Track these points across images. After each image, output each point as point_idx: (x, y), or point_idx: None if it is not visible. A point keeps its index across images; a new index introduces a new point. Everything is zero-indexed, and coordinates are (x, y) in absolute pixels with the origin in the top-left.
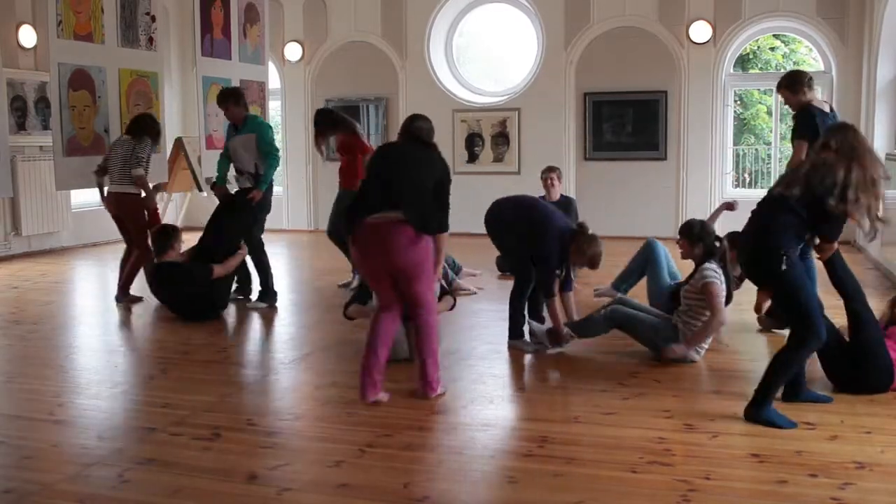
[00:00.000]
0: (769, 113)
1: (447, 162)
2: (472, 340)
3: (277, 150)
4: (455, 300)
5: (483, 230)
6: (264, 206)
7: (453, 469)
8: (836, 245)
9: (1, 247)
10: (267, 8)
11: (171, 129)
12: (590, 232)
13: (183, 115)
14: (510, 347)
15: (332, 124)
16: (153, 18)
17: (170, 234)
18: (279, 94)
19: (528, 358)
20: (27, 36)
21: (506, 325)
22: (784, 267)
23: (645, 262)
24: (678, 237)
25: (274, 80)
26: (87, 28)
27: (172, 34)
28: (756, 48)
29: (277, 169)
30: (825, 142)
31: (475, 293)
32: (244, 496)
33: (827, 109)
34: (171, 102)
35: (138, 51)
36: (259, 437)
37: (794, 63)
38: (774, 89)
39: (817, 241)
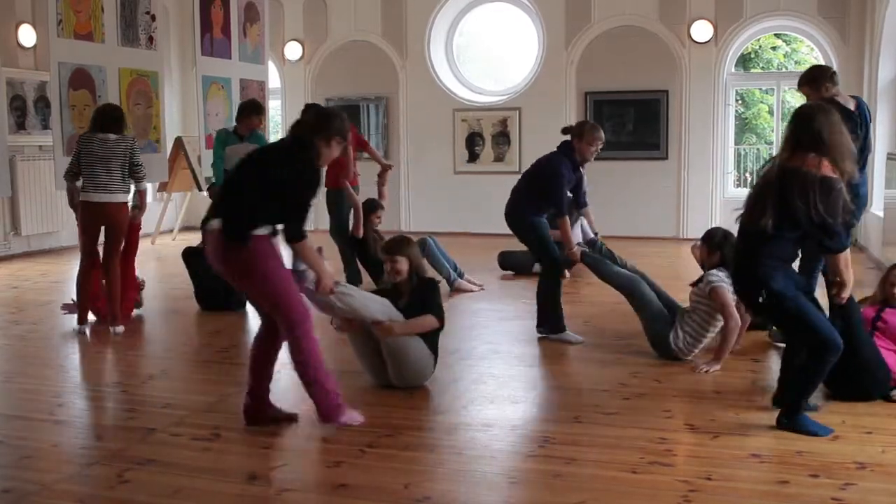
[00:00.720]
0: (770, 112)
1: (312, 166)
2: (472, 340)
3: None
4: (442, 322)
5: (485, 230)
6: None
7: (454, 469)
8: (849, 278)
9: (0, 246)
10: (267, 7)
11: (171, 129)
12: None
13: (183, 114)
14: (553, 341)
15: None
16: (153, 17)
17: None
18: (279, 94)
19: (529, 358)
20: (27, 35)
21: (507, 325)
22: (776, 299)
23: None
24: (698, 242)
25: (274, 80)
26: (88, 27)
27: (172, 33)
28: (757, 47)
29: None
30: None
31: (478, 290)
32: (244, 496)
33: (852, 106)
34: (171, 102)
35: (138, 50)
36: (259, 438)
37: (796, 63)
38: (792, 86)
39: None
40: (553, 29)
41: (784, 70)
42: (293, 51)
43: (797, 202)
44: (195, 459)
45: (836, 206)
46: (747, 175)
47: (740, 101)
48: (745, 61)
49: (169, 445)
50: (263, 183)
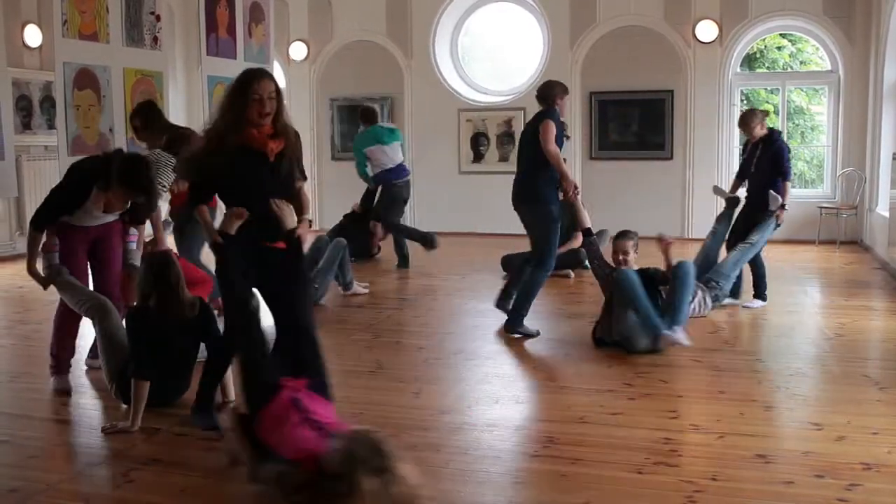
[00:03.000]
0: (776, 112)
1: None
2: (477, 340)
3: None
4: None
5: (489, 230)
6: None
7: (459, 469)
8: None
9: (7, 246)
10: (272, 7)
11: None
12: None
13: (188, 114)
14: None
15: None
16: (158, 18)
17: None
18: (284, 94)
19: (533, 358)
20: (32, 35)
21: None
22: None
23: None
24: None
25: (279, 80)
26: (92, 27)
27: (177, 33)
28: (763, 47)
29: None
30: None
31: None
32: (249, 496)
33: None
34: (175, 102)
35: (143, 50)
36: None
37: (801, 63)
38: (798, 86)
39: None
40: (558, 29)
41: (789, 70)
42: (298, 51)
43: None
44: (200, 459)
45: None
46: None
47: (745, 101)
48: (750, 61)
49: (174, 445)
50: None
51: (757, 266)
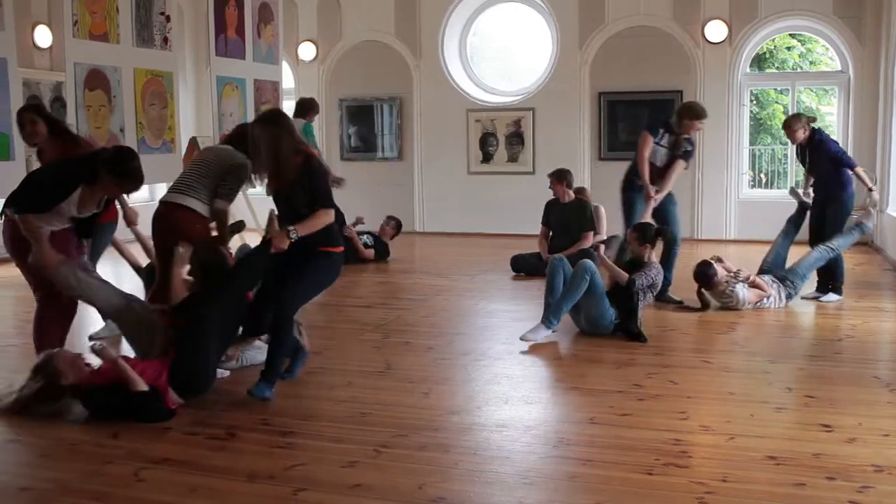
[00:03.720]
0: (786, 112)
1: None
2: (487, 341)
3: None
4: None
5: (498, 231)
6: None
7: (468, 470)
8: None
9: None
10: (281, 7)
11: (185, 129)
12: None
13: (197, 114)
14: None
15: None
16: (168, 18)
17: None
18: (293, 94)
19: (543, 359)
20: (43, 36)
21: (521, 326)
22: None
23: (577, 291)
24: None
25: (288, 80)
26: (103, 28)
27: (187, 34)
28: (772, 47)
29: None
30: None
31: None
32: (259, 496)
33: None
34: (185, 102)
35: (153, 50)
36: (274, 437)
37: (811, 63)
38: (808, 86)
39: None
40: (567, 29)
41: (799, 70)
42: (307, 51)
43: None
44: (210, 458)
45: None
46: (762, 175)
47: (755, 102)
48: (759, 61)
49: (184, 444)
50: None
51: (836, 261)
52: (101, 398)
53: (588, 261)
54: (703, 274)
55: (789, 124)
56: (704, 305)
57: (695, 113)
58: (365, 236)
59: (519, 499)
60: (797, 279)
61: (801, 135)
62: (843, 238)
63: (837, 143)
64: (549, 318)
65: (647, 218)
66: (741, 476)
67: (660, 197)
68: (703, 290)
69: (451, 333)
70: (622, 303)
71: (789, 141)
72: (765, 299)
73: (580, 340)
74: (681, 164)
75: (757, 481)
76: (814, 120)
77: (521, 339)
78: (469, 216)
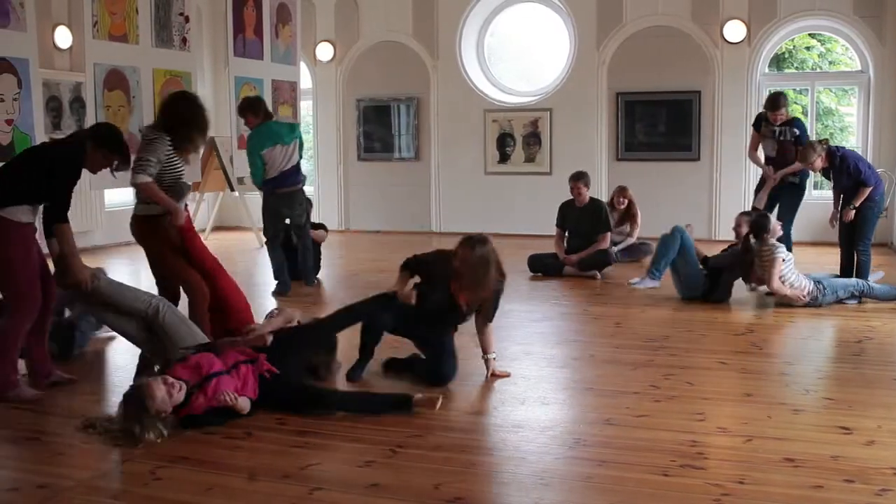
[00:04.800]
0: (804, 113)
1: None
2: (503, 341)
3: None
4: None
5: (515, 231)
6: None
7: (485, 470)
8: None
9: None
10: (299, 8)
11: None
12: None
13: (215, 115)
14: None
15: None
16: (186, 19)
17: None
18: (310, 95)
19: (559, 359)
20: (63, 37)
21: (538, 326)
22: None
23: (671, 247)
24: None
25: (305, 80)
26: (122, 29)
27: (205, 34)
28: (791, 47)
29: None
30: None
31: None
32: (275, 495)
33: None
34: (203, 102)
35: (172, 51)
36: (290, 437)
37: (831, 63)
38: (827, 86)
39: None
40: (584, 29)
41: (818, 70)
42: (325, 51)
43: None
44: (227, 457)
45: None
46: None
47: None
48: (778, 61)
49: (201, 443)
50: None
51: (862, 266)
52: (200, 422)
53: (679, 225)
54: (760, 224)
55: (806, 158)
56: (746, 250)
57: (767, 103)
58: None
59: (535, 499)
60: (829, 292)
61: (820, 163)
62: (888, 289)
63: (859, 158)
64: (652, 271)
65: (763, 199)
66: (758, 478)
67: (778, 176)
68: (751, 237)
69: (467, 333)
70: (713, 276)
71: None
72: (799, 285)
73: (596, 342)
74: (793, 150)
75: (774, 483)
76: (826, 141)
77: (630, 283)
78: (486, 216)
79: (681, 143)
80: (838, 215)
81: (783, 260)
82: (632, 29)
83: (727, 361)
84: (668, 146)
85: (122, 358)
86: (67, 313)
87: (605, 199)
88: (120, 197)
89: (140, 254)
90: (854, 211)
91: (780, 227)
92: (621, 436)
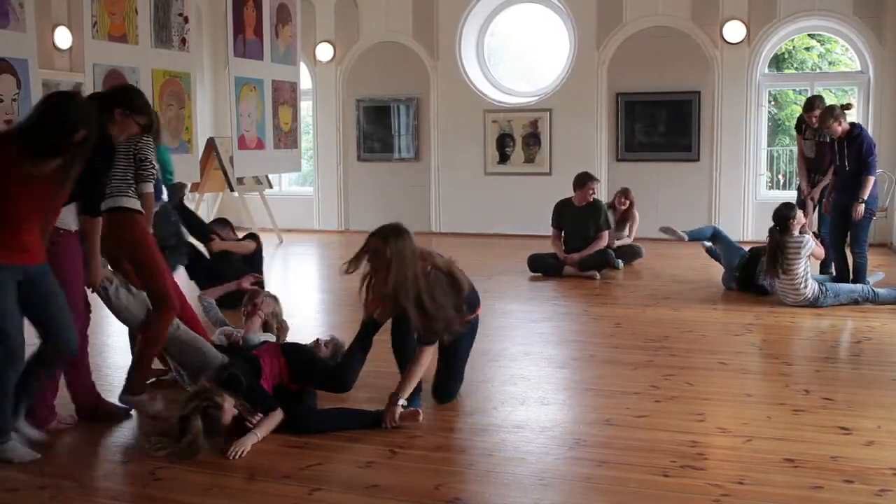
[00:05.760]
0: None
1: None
2: (503, 342)
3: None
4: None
5: (515, 231)
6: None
7: (484, 471)
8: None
9: None
10: (299, 8)
11: (203, 129)
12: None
13: (215, 115)
14: None
15: None
16: (186, 19)
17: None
18: (310, 95)
19: (559, 360)
20: (63, 37)
21: (538, 326)
22: None
23: (704, 230)
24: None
25: (305, 81)
26: (122, 29)
27: (205, 35)
28: (791, 48)
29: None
30: None
31: None
32: (275, 496)
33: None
34: (203, 103)
35: (171, 51)
36: (290, 437)
37: (830, 63)
38: (827, 86)
39: None
40: (584, 29)
41: (818, 71)
42: (324, 52)
43: None
44: (227, 458)
45: None
46: (780, 177)
47: (773, 102)
48: (778, 62)
49: None
50: None
51: (859, 269)
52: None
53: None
54: (783, 215)
55: (823, 120)
56: (772, 242)
57: (804, 106)
58: None
59: (535, 500)
60: (831, 295)
61: (837, 127)
62: (892, 293)
63: (874, 144)
64: (688, 232)
65: (806, 216)
66: (758, 478)
67: (815, 192)
68: (776, 230)
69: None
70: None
71: (815, 127)
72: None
73: (596, 342)
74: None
75: (774, 484)
76: (849, 107)
77: (661, 229)
78: (486, 217)
79: (680, 144)
80: (816, 196)
81: (811, 238)
82: (632, 29)
83: (727, 362)
84: (668, 146)
85: (122, 358)
86: None
87: (604, 199)
88: None
89: None
90: (862, 205)
91: (803, 217)
92: (621, 436)
